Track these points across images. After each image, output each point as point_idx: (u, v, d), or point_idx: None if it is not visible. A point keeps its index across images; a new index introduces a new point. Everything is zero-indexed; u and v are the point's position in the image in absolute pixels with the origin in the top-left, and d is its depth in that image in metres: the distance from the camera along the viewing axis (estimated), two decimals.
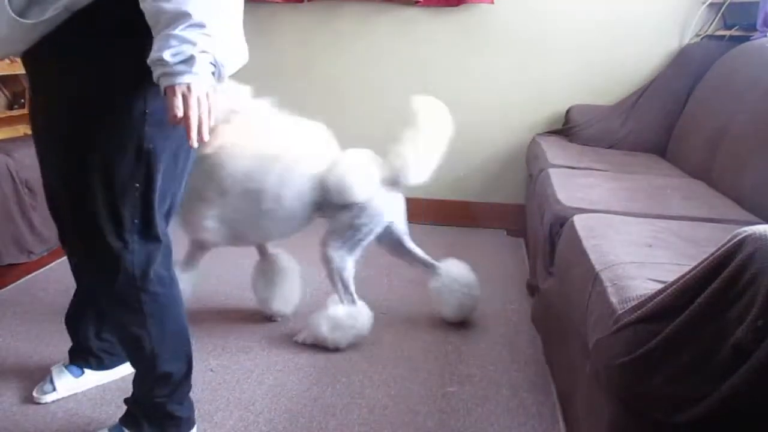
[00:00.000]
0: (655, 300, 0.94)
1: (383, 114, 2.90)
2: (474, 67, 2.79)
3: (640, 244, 1.33)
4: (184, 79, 0.97)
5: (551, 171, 2.08)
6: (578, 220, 1.51)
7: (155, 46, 0.98)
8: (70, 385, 1.54)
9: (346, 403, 1.55)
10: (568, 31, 2.70)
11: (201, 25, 0.97)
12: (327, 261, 1.77)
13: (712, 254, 0.88)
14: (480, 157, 2.90)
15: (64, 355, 1.68)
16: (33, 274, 2.22)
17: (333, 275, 1.78)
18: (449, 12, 2.74)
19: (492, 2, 2.66)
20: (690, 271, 0.90)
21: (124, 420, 1.35)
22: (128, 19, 1.02)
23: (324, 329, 1.76)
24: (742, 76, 2.14)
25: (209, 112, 1.01)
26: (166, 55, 0.95)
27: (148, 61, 0.99)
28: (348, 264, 1.79)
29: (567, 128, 2.71)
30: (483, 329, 1.95)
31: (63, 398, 1.53)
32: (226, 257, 2.45)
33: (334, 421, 1.48)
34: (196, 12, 0.96)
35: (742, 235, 0.84)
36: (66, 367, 1.56)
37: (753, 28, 2.36)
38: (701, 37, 2.62)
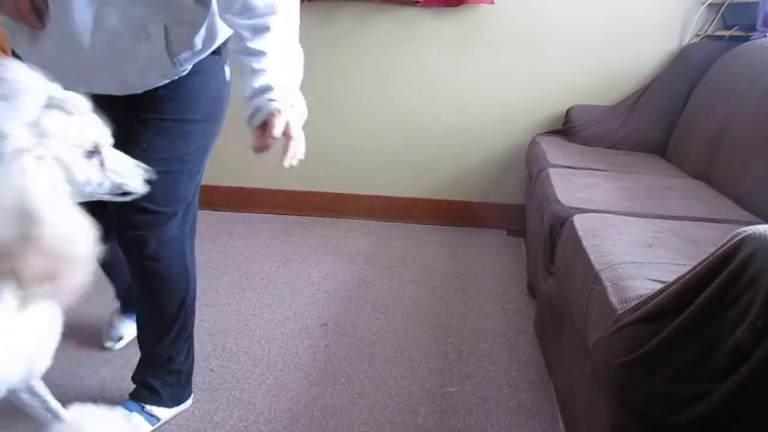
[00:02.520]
0: (655, 300, 0.94)
1: (383, 114, 2.91)
2: (474, 67, 2.79)
3: (640, 244, 1.33)
4: (289, 105, 1.14)
5: (551, 171, 2.08)
6: (578, 220, 1.51)
7: (271, 75, 1.14)
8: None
9: (346, 403, 1.55)
10: (568, 31, 2.70)
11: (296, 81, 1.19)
12: None
13: (712, 254, 0.88)
14: (480, 157, 2.90)
15: (65, 356, 1.68)
16: None
17: None
18: (449, 12, 2.74)
19: (492, 2, 2.66)
20: (690, 271, 0.90)
21: (138, 394, 1.44)
22: (217, 52, 1.31)
23: None
24: (742, 76, 2.14)
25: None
26: (276, 84, 1.13)
27: (257, 85, 1.14)
28: None
29: (567, 128, 2.70)
30: (483, 329, 1.95)
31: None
32: (227, 256, 2.45)
33: (334, 421, 1.48)
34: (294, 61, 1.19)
35: (742, 235, 0.84)
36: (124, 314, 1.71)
37: (753, 28, 2.36)
38: (701, 37, 2.62)
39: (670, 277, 0.97)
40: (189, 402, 1.51)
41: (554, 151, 2.39)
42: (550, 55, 2.74)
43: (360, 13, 2.77)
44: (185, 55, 1.21)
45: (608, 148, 2.59)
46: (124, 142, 1.22)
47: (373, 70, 2.85)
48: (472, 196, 2.96)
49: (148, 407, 1.43)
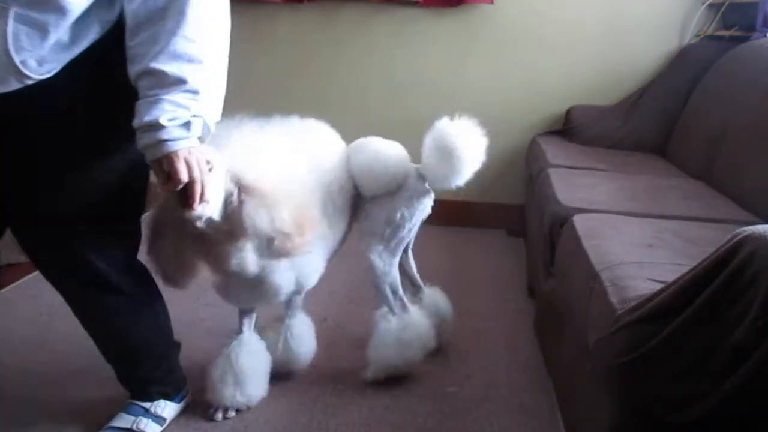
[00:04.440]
0: (655, 300, 0.94)
1: (383, 114, 2.91)
2: (474, 67, 2.79)
3: (640, 244, 1.33)
4: (185, 143, 0.99)
5: (551, 171, 2.08)
6: (578, 220, 1.51)
7: (144, 108, 0.97)
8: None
9: (346, 403, 1.55)
10: (568, 31, 2.70)
11: (195, 92, 0.98)
12: (371, 269, 1.60)
13: (712, 254, 0.88)
14: None
15: (64, 357, 1.67)
16: (33, 274, 2.22)
17: (380, 284, 1.61)
18: (449, 12, 2.74)
19: (492, 2, 2.66)
20: (690, 271, 0.90)
21: (139, 393, 1.41)
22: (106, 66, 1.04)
23: (392, 356, 1.60)
24: (742, 77, 2.14)
25: (206, 173, 1.05)
26: (163, 120, 0.96)
27: (137, 123, 0.98)
28: (395, 268, 1.63)
29: (567, 128, 2.70)
30: (483, 329, 1.95)
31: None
32: None
33: (334, 421, 1.48)
34: (192, 78, 0.97)
35: (742, 235, 0.84)
36: None
37: (753, 28, 2.36)
38: (701, 37, 2.62)
39: (670, 277, 0.97)
40: (188, 398, 1.50)
41: (554, 151, 2.39)
42: (550, 56, 2.74)
43: (360, 13, 2.77)
44: (39, 57, 0.95)
45: (608, 148, 2.59)
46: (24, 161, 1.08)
47: (373, 70, 2.85)
48: (471, 196, 2.96)
49: (153, 409, 1.39)
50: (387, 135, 2.91)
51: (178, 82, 0.97)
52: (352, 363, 1.73)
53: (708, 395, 0.86)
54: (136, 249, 1.30)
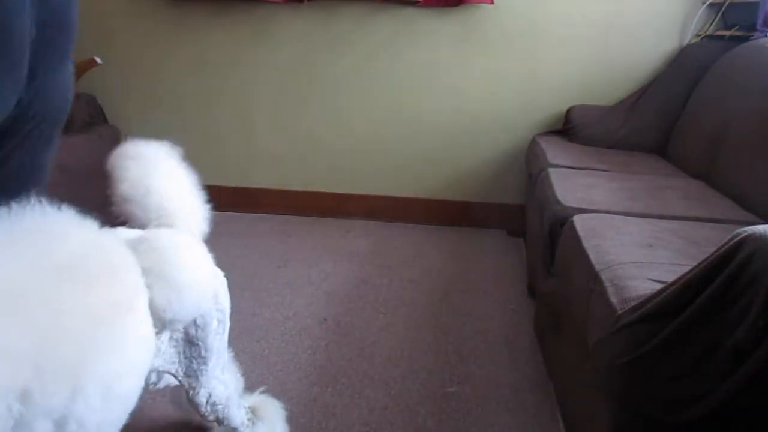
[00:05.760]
0: (655, 300, 0.94)
1: (383, 114, 2.91)
2: (474, 67, 2.79)
3: (640, 244, 1.33)
4: None
5: (551, 171, 2.08)
6: (578, 220, 1.51)
7: None
8: None
9: (346, 403, 1.55)
10: (568, 32, 2.70)
11: None
12: (211, 405, 1.19)
13: (712, 254, 0.88)
14: (480, 157, 2.90)
15: None
16: None
17: (230, 412, 1.23)
18: (449, 12, 2.74)
19: (492, 2, 2.66)
20: (690, 271, 0.90)
21: None
22: None
23: None
24: (742, 76, 2.14)
25: None
26: None
27: None
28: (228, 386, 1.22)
29: (567, 128, 2.70)
30: (483, 329, 1.95)
31: None
32: (227, 256, 2.45)
33: (334, 421, 1.48)
34: None
35: (742, 235, 0.84)
36: None
37: (753, 28, 2.36)
38: (701, 37, 2.62)
39: (670, 277, 0.97)
40: None
41: (554, 151, 2.39)
42: (550, 55, 2.74)
43: (360, 13, 2.77)
44: None
45: (608, 148, 2.59)
46: None
47: (373, 70, 2.85)
48: (472, 196, 2.96)
49: None
50: (386, 134, 2.93)
51: None
52: (351, 363, 1.73)
53: (708, 395, 0.86)
54: None
